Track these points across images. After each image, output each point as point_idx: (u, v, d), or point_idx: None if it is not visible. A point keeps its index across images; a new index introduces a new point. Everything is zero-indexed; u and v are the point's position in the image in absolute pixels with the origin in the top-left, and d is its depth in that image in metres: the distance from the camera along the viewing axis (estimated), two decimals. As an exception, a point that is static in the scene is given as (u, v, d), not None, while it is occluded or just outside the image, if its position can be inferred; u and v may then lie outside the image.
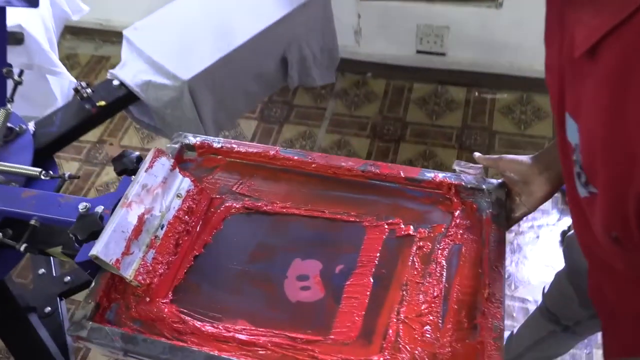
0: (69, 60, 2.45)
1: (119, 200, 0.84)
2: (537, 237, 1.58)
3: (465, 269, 0.79)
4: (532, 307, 1.41)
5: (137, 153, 0.84)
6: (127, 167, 0.82)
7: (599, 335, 1.13)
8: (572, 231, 0.89)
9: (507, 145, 1.82)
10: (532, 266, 1.50)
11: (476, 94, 2.00)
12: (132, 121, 1.49)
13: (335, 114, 2.03)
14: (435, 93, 2.04)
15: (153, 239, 0.80)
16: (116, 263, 0.75)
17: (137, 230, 0.78)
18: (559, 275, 0.96)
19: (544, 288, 1.02)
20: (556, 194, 1.61)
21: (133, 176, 0.85)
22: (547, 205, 1.66)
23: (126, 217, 0.77)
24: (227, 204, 0.89)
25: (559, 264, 1.49)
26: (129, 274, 0.76)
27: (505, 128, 1.88)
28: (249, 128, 2.04)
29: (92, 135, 2.12)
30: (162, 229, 0.82)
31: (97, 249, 0.73)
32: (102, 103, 1.15)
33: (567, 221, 1.61)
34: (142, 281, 0.77)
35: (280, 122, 2.04)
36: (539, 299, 1.42)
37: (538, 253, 1.55)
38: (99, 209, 0.82)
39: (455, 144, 1.85)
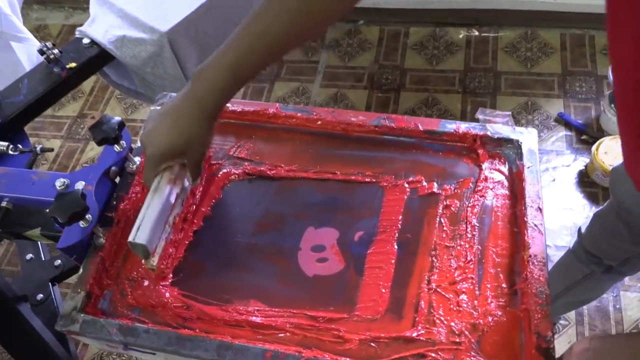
0: (39, 32, 2.28)
1: (103, 174, 0.74)
2: (553, 180, 1.51)
3: (499, 228, 0.71)
4: (553, 253, 1.35)
5: (118, 118, 0.73)
6: (108, 136, 0.71)
7: (627, 278, 1.10)
8: (616, 165, 0.83)
9: (514, 85, 1.72)
10: (550, 210, 1.43)
11: (477, 33, 1.87)
12: (113, 87, 1.36)
13: (328, 66, 1.91)
14: (434, 36, 1.91)
15: (175, 216, 0.72)
16: (153, 252, 0.67)
17: (172, 210, 0.70)
18: (601, 214, 0.90)
19: (579, 229, 0.97)
20: (570, 133, 1.57)
21: (116, 146, 0.75)
22: (561, 145, 1.58)
23: (171, 195, 0.68)
24: (225, 170, 0.80)
25: (578, 205, 1.46)
26: (155, 262, 0.68)
27: (511, 67, 1.77)
28: (237, 87, 1.92)
29: (72, 110, 2.00)
30: (182, 204, 0.73)
31: (144, 237, 0.63)
32: (73, 65, 1.02)
33: (583, 161, 1.53)
34: (161, 266, 0.69)
35: (271, 80, 1.92)
36: (560, 243, 1.38)
37: (555, 196, 1.48)
38: (80, 185, 0.72)
39: (459, 88, 1.75)
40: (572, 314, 1.30)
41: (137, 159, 0.78)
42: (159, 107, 0.85)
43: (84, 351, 1.43)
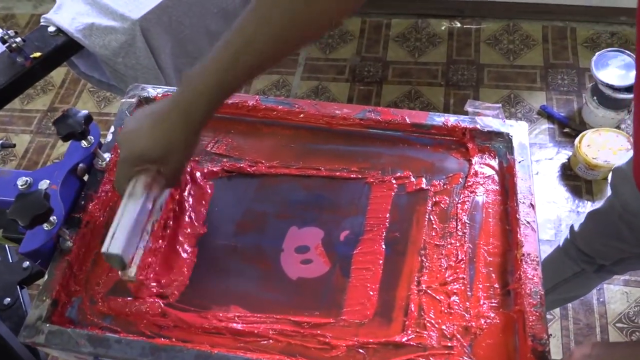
0: (6, 22, 2.18)
1: (69, 172, 0.69)
2: (537, 173, 1.50)
3: (491, 225, 0.68)
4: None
5: (85, 111, 0.67)
6: (74, 130, 0.66)
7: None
8: (618, 166, 0.80)
9: (496, 78, 1.70)
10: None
11: (459, 25, 1.85)
12: (83, 80, 1.30)
13: (309, 58, 1.87)
14: (416, 28, 1.88)
15: (154, 223, 0.66)
16: (130, 262, 0.61)
17: (150, 216, 0.64)
18: (598, 214, 0.88)
19: (571, 227, 0.95)
20: (552, 126, 1.56)
21: (83, 141, 0.70)
22: (544, 138, 1.57)
23: (147, 200, 0.61)
24: (203, 168, 0.75)
25: (561, 199, 1.45)
26: (134, 272, 0.61)
27: (493, 60, 1.76)
28: (215, 80, 1.86)
29: (41, 103, 1.92)
30: (161, 209, 0.67)
31: (119, 246, 0.57)
32: (37, 54, 0.96)
33: (566, 154, 1.53)
34: (139, 277, 0.63)
35: (250, 72, 1.86)
36: (544, 237, 1.37)
37: (538, 189, 1.47)
38: (44, 184, 0.67)
39: (442, 81, 1.73)
40: (556, 309, 1.29)
41: (107, 156, 0.73)
42: (131, 100, 0.79)
43: (56, 357, 1.37)
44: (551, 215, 1.43)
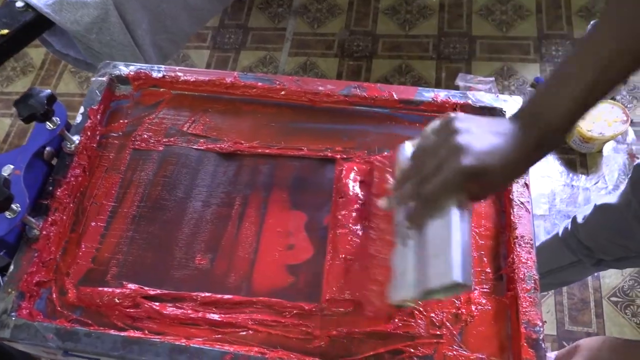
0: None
1: (34, 156, 0.64)
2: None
3: (482, 206, 0.64)
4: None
5: (47, 91, 0.63)
6: (36, 111, 0.61)
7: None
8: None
9: (489, 50, 1.65)
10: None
11: (451, -4, 1.79)
12: (58, 58, 1.23)
13: (296, 33, 1.80)
14: (406, -1, 1.82)
15: None
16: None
17: None
18: (608, 210, 0.82)
19: (574, 218, 0.90)
20: None
21: (48, 123, 0.65)
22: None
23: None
24: (179, 150, 0.71)
25: (555, 173, 1.42)
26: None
27: (486, 32, 1.70)
28: (200, 58, 1.80)
29: (21, 86, 1.85)
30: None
31: (458, 274, 0.46)
32: (5, 31, 0.90)
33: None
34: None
35: (235, 49, 1.80)
36: (538, 212, 1.34)
37: (533, 164, 1.44)
38: (7, 170, 0.63)
39: (433, 54, 1.67)
40: (550, 284, 1.27)
41: (76, 138, 0.69)
42: (101, 79, 0.74)
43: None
44: (545, 189, 1.40)
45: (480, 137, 0.46)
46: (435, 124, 0.50)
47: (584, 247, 0.87)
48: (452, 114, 0.48)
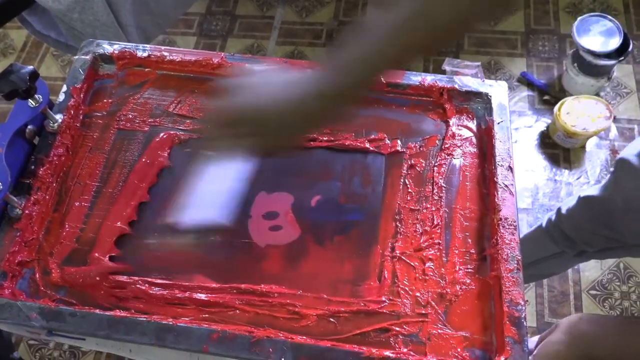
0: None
1: (16, 134, 0.63)
2: (515, 141, 1.48)
3: (467, 189, 0.65)
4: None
5: (30, 67, 0.61)
6: (17, 88, 0.60)
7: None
8: (623, 157, 0.74)
9: (477, 44, 1.66)
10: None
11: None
12: (39, 40, 1.20)
13: (285, 22, 1.79)
14: (393, -11, 1.81)
15: None
16: None
17: None
18: (593, 202, 0.83)
19: (559, 209, 0.91)
20: (532, 93, 1.54)
21: (30, 100, 0.64)
22: (524, 106, 1.55)
23: None
24: (165, 130, 0.70)
25: (539, 167, 1.44)
26: None
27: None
28: (187, 45, 1.78)
29: (1, 68, 1.78)
30: None
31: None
32: (-17, 8, 0.88)
33: (545, 122, 1.51)
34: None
35: (223, 36, 1.78)
36: (521, 205, 1.36)
37: (516, 157, 1.45)
38: (-13, 147, 0.61)
39: (420, 45, 1.68)
40: (530, 275, 1.30)
41: (59, 117, 0.68)
42: (85, 57, 0.73)
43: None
44: (529, 183, 1.42)
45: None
46: None
47: (567, 238, 0.88)
48: None
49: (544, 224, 0.95)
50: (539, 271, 1.01)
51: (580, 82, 1.48)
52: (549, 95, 1.54)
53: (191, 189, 0.60)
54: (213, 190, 0.58)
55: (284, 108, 0.50)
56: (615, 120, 1.47)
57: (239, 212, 0.60)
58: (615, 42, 1.39)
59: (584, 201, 0.85)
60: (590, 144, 1.46)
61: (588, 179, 1.42)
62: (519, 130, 1.50)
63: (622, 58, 1.39)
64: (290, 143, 0.58)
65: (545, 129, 1.50)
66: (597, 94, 1.50)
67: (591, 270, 1.30)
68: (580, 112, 1.39)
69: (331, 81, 0.49)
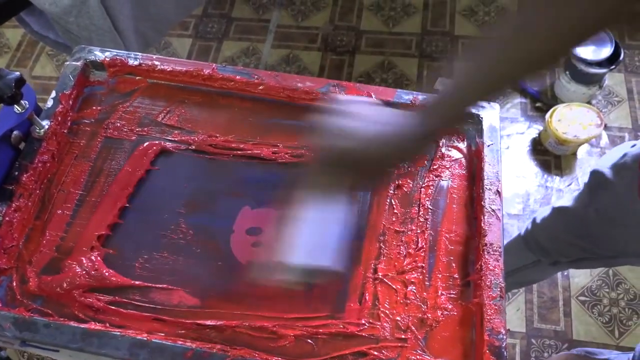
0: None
1: (0, 139, 0.62)
2: (507, 147, 1.48)
3: (454, 211, 0.65)
4: (505, 222, 1.33)
5: (16, 73, 0.61)
6: (3, 94, 0.59)
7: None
8: (598, 169, 0.74)
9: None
10: (502, 178, 1.41)
11: (435, -5, 1.79)
12: (36, 40, 1.20)
13: (280, 26, 1.79)
14: (391, -4, 1.81)
15: None
16: None
17: None
18: (567, 213, 0.83)
19: (534, 219, 0.91)
20: (525, 100, 1.54)
21: (16, 106, 0.63)
22: (516, 113, 1.55)
23: None
24: (152, 140, 0.69)
25: (531, 174, 1.44)
26: None
27: (468, 32, 1.71)
28: (182, 47, 1.77)
29: None
30: None
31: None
32: (-24, 6, 0.87)
33: (536, 129, 1.51)
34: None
35: (218, 39, 1.78)
36: (512, 212, 1.36)
37: (508, 164, 1.46)
38: (-30, 153, 0.61)
39: (416, 52, 1.68)
40: (521, 281, 1.29)
41: (46, 123, 0.67)
42: (75, 63, 0.72)
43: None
44: (520, 189, 1.42)
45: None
46: None
47: (541, 248, 0.89)
48: None
49: (522, 232, 0.95)
50: (519, 279, 1.02)
51: (572, 90, 1.49)
52: (541, 103, 1.55)
53: (297, 229, 0.56)
54: (319, 233, 0.56)
55: (384, 149, 0.52)
56: (606, 128, 1.48)
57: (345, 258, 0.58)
58: (606, 51, 1.40)
59: (557, 212, 0.85)
60: (582, 151, 1.47)
61: (579, 186, 1.42)
62: (511, 136, 1.51)
63: (614, 66, 1.41)
64: (384, 178, 0.61)
65: (537, 135, 1.50)
66: (589, 102, 1.51)
67: (580, 276, 1.30)
68: (571, 119, 1.40)
69: (426, 124, 0.52)
